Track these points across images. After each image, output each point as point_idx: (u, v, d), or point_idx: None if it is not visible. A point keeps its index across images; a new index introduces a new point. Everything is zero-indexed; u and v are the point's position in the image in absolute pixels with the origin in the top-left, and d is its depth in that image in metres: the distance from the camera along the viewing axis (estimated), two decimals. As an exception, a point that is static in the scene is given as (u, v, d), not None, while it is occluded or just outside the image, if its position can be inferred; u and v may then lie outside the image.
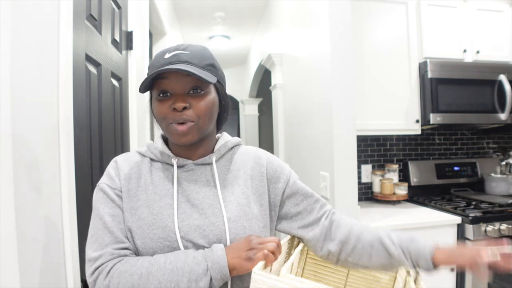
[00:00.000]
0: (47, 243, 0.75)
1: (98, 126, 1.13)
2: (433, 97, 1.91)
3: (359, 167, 2.20)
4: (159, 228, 0.65)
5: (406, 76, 1.96)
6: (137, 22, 1.61)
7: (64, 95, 0.83)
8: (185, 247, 0.65)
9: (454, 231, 1.71)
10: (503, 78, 1.98)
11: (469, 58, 2.04)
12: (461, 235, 1.70)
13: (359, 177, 2.22)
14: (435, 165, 2.28)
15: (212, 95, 0.69)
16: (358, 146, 1.95)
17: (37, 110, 0.73)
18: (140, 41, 1.66)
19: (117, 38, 1.37)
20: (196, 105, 0.66)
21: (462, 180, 2.29)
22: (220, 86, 0.72)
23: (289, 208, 0.78)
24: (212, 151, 0.76)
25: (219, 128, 0.79)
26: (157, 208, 0.67)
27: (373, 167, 2.27)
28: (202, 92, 0.67)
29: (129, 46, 1.52)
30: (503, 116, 1.98)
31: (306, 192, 0.80)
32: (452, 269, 1.70)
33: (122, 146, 1.39)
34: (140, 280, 0.60)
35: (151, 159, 0.74)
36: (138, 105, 1.59)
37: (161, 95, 0.66)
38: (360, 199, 2.19)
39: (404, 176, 2.27)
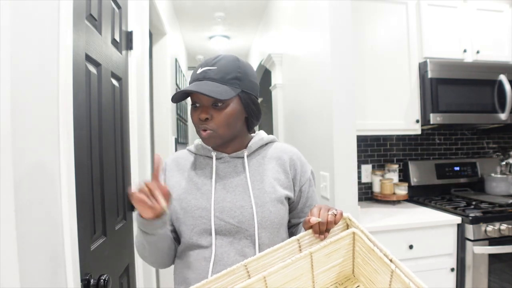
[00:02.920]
0: (47, 243, 0.75)
1: (98, 126, 1.13)
2: (433, 97, 1.91)
3: (359, 167, 2.20)
4: (199, 209, 0.82)
5: (406, 76, 1.96)
6: (137, 22, 1.61)
7: (64, 95, 0.83)
8: (218, 224, 0.81)
9: (454, 231, 1.71)
10: (503, 78, 1.98)
11: (469, 58, 2.04)
12: (461, 235, 1.70)
13: (359, 177, 2.22)
14: (435, 165, 2.28)
15: (233, 106, 0.81)
16: (358, 146, 1.95)
17: (37, 110, 0.73)
18: (140, 41, 1.66)
19: (117, 38, 1.37)
20: (216, 117, 0.80)
21: (462, 180, 2.29)
22: (244, 96, 0.82)
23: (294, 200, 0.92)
24: (246, 147, 0.89)
25: (250, 129, 0.91)
26: (199, 194, 0.84)
27: (373, 167, 2.27)
28: (223, 105, 0.79)
29: (129, 46, 1.52)
30: (503, 116, 1.98)
31: (311, 203, 0.92)
32: (452, 269, 1.70)
33: (122, 146, 1.39)
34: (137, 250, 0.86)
35: (196, 154, 0.92)
36: (138, 105, 1.59)
37: (193, 105, 0.82)
38: (360, 199, 2.19)
39: (404, 176, 2.27)
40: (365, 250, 0.68)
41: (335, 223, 0.72)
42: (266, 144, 0.92)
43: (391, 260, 0.62)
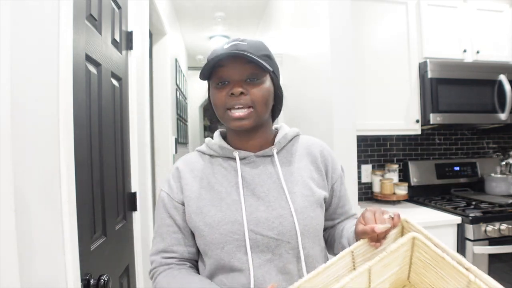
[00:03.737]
0: (47, 243, 0.75)
1: (98, 126, 1.13)
2: (433, 97, 1.91)
3: (359, 167, 2.20)
4: (229, 223, 0.69)
5: (406, 76, 1.96)
6: (137, 22, 1.61)
7: (64, 95, 0.83)
8: (254, 239, 0.68)
9: (454, 231, 1.71)
10: (503, 78, 1.97)
11: (469, 58, 2.04)
12: (461, 235, 1.70)
13: (359, 177, 2.22)
14: (435, 165, 2.28)
15: (268, 84, 0.71)
16: (358, 146, 1.95)
17: (37, 110, 0.73)
18: (140, 41, 1.66)
19: (117, 38, 1.37)
20: (253, 92, 0.68)
21: (462, 180, 2.29)
22: (275, 77, 0.74)
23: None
24: (272, 143, 0.77)
25: (273, 119, 0.80)
26: (225, 205, 0.70)
27: (373, 167, 2.27)
28: (259, 80, 0.69)
29: (129, 46, 1.52)
30: (503, 116, 1.98)
31: (344, 203, 0.84)
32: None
33: (122, 146, 1.39)
34: None
35: (211, 156, 0.77)
36: (138, 105, 1.59)
37: (219, 83, 0.70)
38: (360, 199, 2.19)
39: (404, 176, 2.27)
40: (429, 257, 0.60)
41: (394, 227, 0.62)
42: (292, 139, 0.80)
43: (467, 269, 0.54)
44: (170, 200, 0.75)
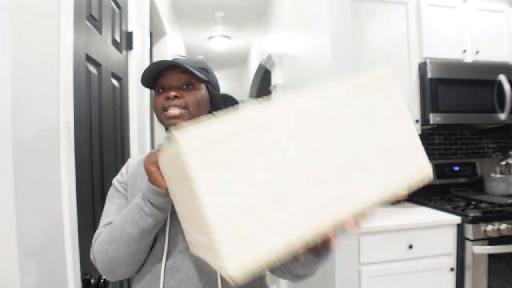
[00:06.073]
0: (47, 243, 0.75)
1: (99, 126, 1.13)
2: (432, 97, 1.91)
3: (359, 167, 2.20)
4: None
5: (405, 76, 1.96)
6: (137, 22, 1.61)
7: (64, 95, 0.84)
8: (173, 226, 0.73)
9: (454, 231, 1.71)
10: (502, 78, 1.98)
11: (468, 58, 2.04)
12: (460, 235, 1.70)
13: (359, 177, 2.22)
14: (435, 165, 2.28)
15: (203, 92, 0.79)
16: (358, 146, 1.95)
17: (37, 110, 0.73)
18: (140, 41, 1.67)
19: (117, 38, 1.37)
20: (187, 96, 0.76)
21: (461, 180, 2.29)
22: (211, 88, 0.81)
23: None
24: None
25: None
26: None
27: (373, 167, 2.27)
28: (193, 87, 0.77)
29: (129, 46, 1.52)
30: (502, 116, 1.98)
31: None
32: (451, 269, 1.70)
33: (122, 146, 1.40)
34: (108, 245, 0.70)
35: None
36: (138, 105, 1.59)
37: (160, 90, 0.77)
38: (360, 199, 2.19)
39: (404, 176, 2.27)
40: None
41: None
42: None
43: None
44: (119, 184, 0.81)
